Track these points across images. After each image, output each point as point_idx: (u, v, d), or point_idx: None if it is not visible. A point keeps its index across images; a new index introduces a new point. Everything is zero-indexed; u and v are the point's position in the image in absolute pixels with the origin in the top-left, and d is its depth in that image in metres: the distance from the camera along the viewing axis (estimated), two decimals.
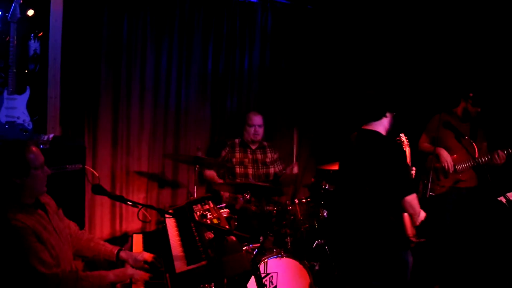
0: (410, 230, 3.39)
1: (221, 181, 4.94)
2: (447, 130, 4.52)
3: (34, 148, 2.63)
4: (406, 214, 3.38)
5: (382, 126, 3.51)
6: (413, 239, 3.39)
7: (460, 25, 5.16)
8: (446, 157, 4.56)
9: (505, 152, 4.39)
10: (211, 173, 4.99)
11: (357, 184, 3.52)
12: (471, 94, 4.57)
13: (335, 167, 4.69)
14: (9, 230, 2.45)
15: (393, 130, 3.60)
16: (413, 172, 3.79)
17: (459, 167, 4.55)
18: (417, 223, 3.41)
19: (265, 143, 5.23)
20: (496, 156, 4.40)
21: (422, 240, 3.45)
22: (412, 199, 3.31)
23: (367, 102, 3.55)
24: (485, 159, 4.45)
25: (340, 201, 3.76)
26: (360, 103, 3.59)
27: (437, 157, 4.56)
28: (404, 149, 3.87)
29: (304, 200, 4.47)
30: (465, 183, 4.62)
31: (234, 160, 5.01)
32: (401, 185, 3.35)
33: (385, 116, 3.51)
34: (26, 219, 2.51)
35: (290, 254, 3.91)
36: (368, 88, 3.63)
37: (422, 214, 3.43)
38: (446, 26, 5.27)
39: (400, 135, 3.96)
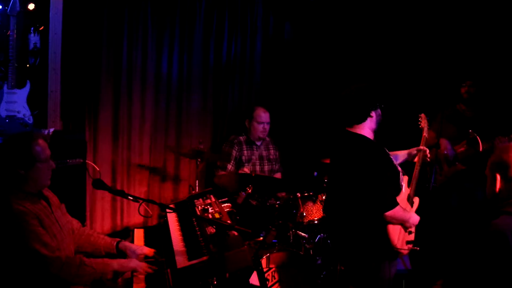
0: (397, 240, 3.07)
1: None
2: (450, 125, 4.52)
3: (41, 141, 2.65)
4: (391, 227, 3.05)
5: (367, 127, 3.17)
6: (403, 251, 3.08)
7: (456, 22, 5.13)
8: (446, 145, 4.55)
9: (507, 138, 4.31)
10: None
11: (339, 189, 3.24)
12: (468, 82, 4.68)
13: None
14: (12, 213, 2.47)
15: (383, 123, 3.25)
16: (404, 179, 3.35)
17: (460, 154, 4.55)
18: (410, 229, 3.14)
19: (267, 138, 5.20)
20: (498, 141, 4.32)
21: (415, 248, 3.14)
22: (393, 213, 2.97)
23: (347, 105, 3.18)
24: (486, 146, 4.42)
25: (329, 201, 3.59)
26: (339, 107, 3.22)
27: (438, 147, 4.54)
28: (423, 133, 3.66)
29: (306, 194, 4.45)
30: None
31: (243, 158, 4.97)
32: (381, 200, 2.97)
33: (370, 116, 3.15)
34: (29, 205, 2.54)
35: (293, 248, 3.89)
36: (347, 89, 3.33)
37: (415, 218, 3.13)
38: (442, 24, 5.24)
39: (421, 115, 3.80)
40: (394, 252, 3.07)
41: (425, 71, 5.36)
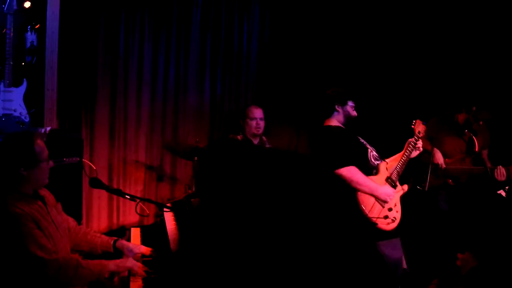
0: (371, 210, 3.29)
1: None
2: (445, 136, 4.51)
3: (40, 141, 2.64)
4: (361, 195, 3.31)
5: (335, 121, 3.61)
6: (379, 221, 3.27)
7: (461, 31, 5.14)
8: (439, 158, 4.50)
9: (506, 170, 4.27)
10: None
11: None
12: (474, 108, 4.43)
13: None
14: (8, 216, 2.45)
15: (357, 120, 3.66)
16: (382, 163, 3.60)
17: (450, 169, 4.50)
18: (385, 199, 3.33)
19: (264, 138, 5.19)
20: (498, 172, 4.28)
21: (396, 221, 3.35)
22: (348, 170, 3.28)
23: (316, 101, 3.75)
24: (479, 169, 4.38)
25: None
26: (311, 104, 3.79)
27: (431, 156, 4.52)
28: (418, 142, 3.69)
29: None
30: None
31: None
32: (331, 159, 3.33)
33: (336, 111, 3.61)
34: (25, 206, 2.51)
35: None
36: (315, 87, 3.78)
37: (386, 189, 3.36)
38: (447, 30, 5.25)
39: (415, 121, 3.83)
40: (369, 223, 3.24)
41: (424, 72, 5.38)
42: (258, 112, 4.98)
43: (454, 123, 4.61)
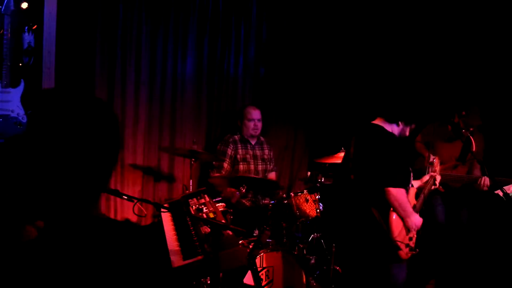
0: (399, 234, 3.15)
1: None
2: (439, 142, 4.53)
3: None
4: (394, 215, 3.17)
5: (391, 128, 3.36)
6: (401, 245, 3.13)
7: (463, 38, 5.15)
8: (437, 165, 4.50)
9: (491, 180, 4.20)
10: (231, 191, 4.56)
11: (348, 176, 3.39)
12: (463, 113, 4.48)
13: (331, 160, 4.69)
14: None
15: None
16: (425, 178, 3.55)
17: (442, 175, 4.51)
18: (411, 228, 3.21)
19: (262, 139, 5.21)
20: (482, 181, 4.25)
21: (414, 252, 3.22)
22: (398, 192, 3.11)
23: (388, 103, 3.37)
24: (469, 177, 4.37)
25: (336, 196, 3.68)
26: (384, 99, 3.42)
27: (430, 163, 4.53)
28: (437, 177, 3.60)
29: (300, 194, 4.47)
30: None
31: (238, 156, 4.98)
32: (387, 174, 3.14)
33: (397, 125, 3.35)
34: None
35: (286, 248, 3.91)
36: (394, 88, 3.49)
37: (416, 218, 3.23)
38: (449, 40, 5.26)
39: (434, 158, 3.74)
40: (393, 245, 3.13)
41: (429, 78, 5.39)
42: (256, 113, 5.00)
43: (447, 129, 4.64)
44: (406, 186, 3.26)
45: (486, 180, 4.20)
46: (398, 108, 3.34)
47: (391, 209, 3.16)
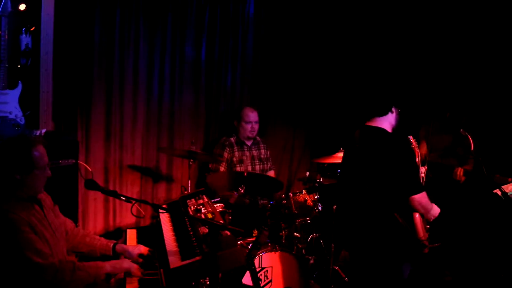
0: (423, 234, 3.16)
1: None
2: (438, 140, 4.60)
3: (41, 148, 2.64)
4: (416, 215, 3.17)
5: (387, 122, 3.32)
6: (426, 243, 3.15)
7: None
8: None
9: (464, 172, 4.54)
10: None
11: (361, 184, 3.31)
12: (447, 114, 4.54)
13: (330, 160, 4.68)
14: (3, 222, 2.45)
15: (399, 128, 3.40)
16: (423, 170, 3.48)
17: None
18: (431, 220, 3.23)
19: (258, 138, 5.21)
20: (458, 172, 4.57)
21: (436, 245, 3.21)
22: (421, 197, 3.11)
23: (373, 96, 3.36)
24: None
25: (342, 200, 3.64)
26: (365, 97, 3.40)
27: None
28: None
29: (298, 194, 4.47)
30: None
31: (234, 159, 4.98)
32: (409, 183, 3.13)
33: (391, 112, 3.31)
34: (21, 211, 2.51)
35: (285, 248, 3.91)
36: (374, 82, 3.43)
37: (435, 210, 3.24)
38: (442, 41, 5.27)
39: (409, 137, 3.68)
40: (421, 245, 3.13)
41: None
42: (253, 116, 5.00)
43: (443, 128, 4.69)
44: (424, 186, 3.26)
45: (460, 171, 4.53)
46: (385, 94, 3.36)
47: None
